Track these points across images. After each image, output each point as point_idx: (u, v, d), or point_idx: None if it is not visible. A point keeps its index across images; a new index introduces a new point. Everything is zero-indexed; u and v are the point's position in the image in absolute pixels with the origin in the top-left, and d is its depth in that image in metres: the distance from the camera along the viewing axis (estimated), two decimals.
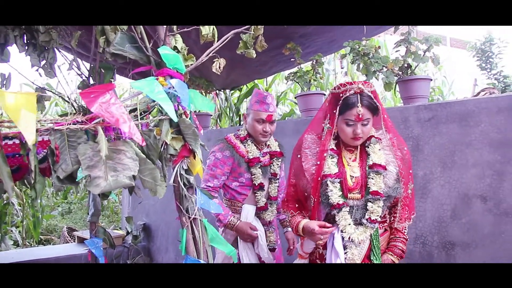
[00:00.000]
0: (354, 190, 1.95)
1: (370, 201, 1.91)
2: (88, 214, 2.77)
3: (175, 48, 1.73)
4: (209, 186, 2.61)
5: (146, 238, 5.22)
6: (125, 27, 1.75)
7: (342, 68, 6.56)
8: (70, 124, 1.39)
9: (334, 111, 1.95)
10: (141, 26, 1.69)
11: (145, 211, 5.28)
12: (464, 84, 8.56)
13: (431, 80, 3.13)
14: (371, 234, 1.92)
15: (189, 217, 1.63)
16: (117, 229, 5.92)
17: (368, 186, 1.93)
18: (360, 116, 1.88)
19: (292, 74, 3.63)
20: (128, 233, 5.20)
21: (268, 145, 2.76)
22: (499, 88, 5.77)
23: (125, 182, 1.38)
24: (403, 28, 3.01)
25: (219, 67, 1.77)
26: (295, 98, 3.80)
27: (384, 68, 2.94)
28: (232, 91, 5.63)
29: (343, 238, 1.91)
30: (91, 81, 2.57)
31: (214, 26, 1.83)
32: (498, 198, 2.39)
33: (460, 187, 2.52)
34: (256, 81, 5.54)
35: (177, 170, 1.62)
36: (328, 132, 1.99)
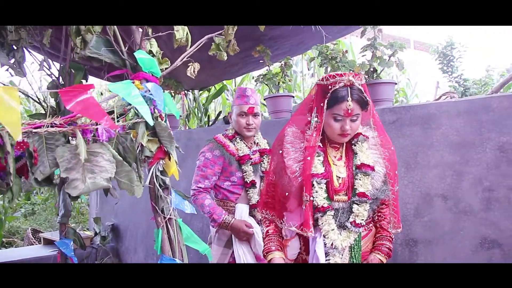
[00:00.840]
0: (340, 191, 1.84)
1: (356, 203, 1.81)
2: (57, 215, 2.76)
3: (150, 52, 1.76)
4: (200, 187, 2.60)
5: (115, 238, 5.19)
6: (100, 30, 1.77)
7: (309, 69, 6.67)
8: (48, 126, 1.41)
9: (322, 105, 1.80)
10: (117, 30, 1.72)
11: (113, 211, 5.25)
12: (427, 86, 8.79)
13: (396, 83, 3.26)
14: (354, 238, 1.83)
15: (164, 217, 1.67)
16: (85, 230, 5.86)
17: (355, 187, 1.83)
18: (350, 111, 1.75)
19: (262, 76, 3.69)
20: (96, 234, 5.16)
21: (257, 143, 2.76)
22: (460, 91, 5.99)
23: (102, 184, 1.41)
24: (370, 33, 3.12)
25: (194, 71, 1.82)
26: (264, 100, 3.87)
27: (351, 71, 3.04)
28: (200, 92, 5.65)
29: (325, 244, 1.80)
30: (61, 81, 2.57)
31: (188, 31, 1.87)
32: (457, 197, 2.52)
33: (423, 186, 2.64)
34: (224, 81, 5.58)
35: (153, 172, 1.66)
36: (317, 127, 1.83)
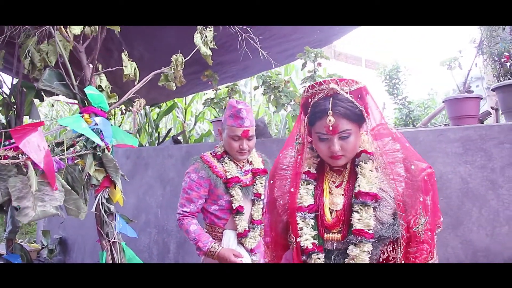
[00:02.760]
0: (333, 228, 1.46)
1: (353, 243, 1.40)
2: (5, 230, 2.84)
3: (99, 87, 1.93)
4: (186, 212, 2.32)
5: (62, 252, 5.21)
6: (53, 63, 1.91)
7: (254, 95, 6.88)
8: (1, 158, 1.55)
9: (304, 122, 1.51)
10: (68, 64, 1.87)
11: (61, 225, 5.28)
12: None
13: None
14: None
15: (109, 241, 1.83)
16: (32, 243, 5.83)
17: (351, 222, 1.42)
18: (332, 128, 1.40)
19: (209, 100, 3.89)
20: (43, 246, 5.17)
21: (251, 161, 2.44)
22: (404, 113, 6.38)
23: (52, 212, 1.56)
24: (310, 66, 3.37)
25: (140, 106, 1.99)
26: (210, 123, 4.05)
27: (292, 101, 3.26)
28: (151, 108, 5.78)
29: None
30: (12, 100, 2.66)
31: (135, 67, 2.04)
32: None
33: None
34: (176, 99, 5.73)
35: (99, 199, 1.81)
36: (300, 149, 1.55)
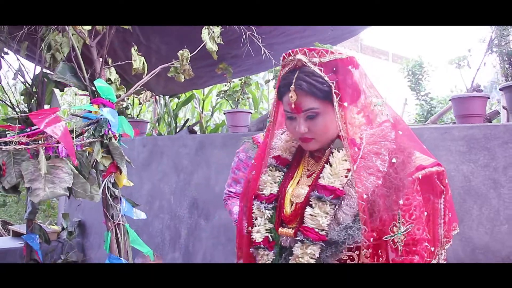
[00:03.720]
0: (290, 222, 1.27)
1: (300, 243, 1.20)
2: (25, 211, 3.02)
3: (109, 79, 2.06)
4: (231, 192, 2.21)
5: (81, 234, 5.43)
6: (66, 54, 2.04)
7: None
8: (15, 144, 1.70)
9: (274, 97, 1.34)
10: (80, 58, 2.00)
11: (80, 208, 5.49)
12: (397, 102, 8.97)
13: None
14: None
15: (114, 222, 1.97)
16: (53, 225, 6.08)
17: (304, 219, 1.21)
18: (294, 105, 1.21)
19: (223, 92, 4.00)
20: (63, 228, 5.39)
21: None
22: (426, 109, 6.37)
23: (60, 192, 1.70)
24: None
25: (146, 98, 2.12)
26: (224, 114, 4.16)
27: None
28: (171, 98, 5.92)
29: None
30: (34, 89, 2.82)
31: (144, 61, 2.16)
32: None
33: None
34: (194, 90, 5.86)
35: (105, 183, 1.95)
36: (269, 128, 1.37)
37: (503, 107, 3.64)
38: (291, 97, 1.20)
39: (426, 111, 6.33)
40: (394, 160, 1.19)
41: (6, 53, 2.94)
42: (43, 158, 1.65)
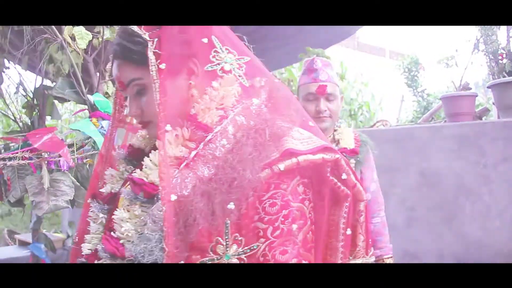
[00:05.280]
0: None
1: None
2: (30, 221, 3.10)
3: (106, 93, 2.13)
4: None
5: None
6: (67, 71, 2.11)
7: None
8: (19, 159, 1.78)
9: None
10: (79, 75, 2.08)
11: None
12: (394, 98, 8.94)
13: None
14: None
15: None
16: (58, 233, 6.16)
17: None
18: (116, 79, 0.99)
19: None
20: (68, 236, 5.46)
21: (338, 140, 1.94)
22: (422, 105, 6.45)
23: (63, 205, 1.78)
24: None
25: None
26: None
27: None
28: None
29: None
30: (35, 102, 2.90)
31: None
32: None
33: None
34: None
35: None
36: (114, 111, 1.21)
37: (493, 104, 3.72)
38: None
39: (423, 107, 6.39)
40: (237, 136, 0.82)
41: (7, 68, 3.00)
42: (46, 173, 1.73)
